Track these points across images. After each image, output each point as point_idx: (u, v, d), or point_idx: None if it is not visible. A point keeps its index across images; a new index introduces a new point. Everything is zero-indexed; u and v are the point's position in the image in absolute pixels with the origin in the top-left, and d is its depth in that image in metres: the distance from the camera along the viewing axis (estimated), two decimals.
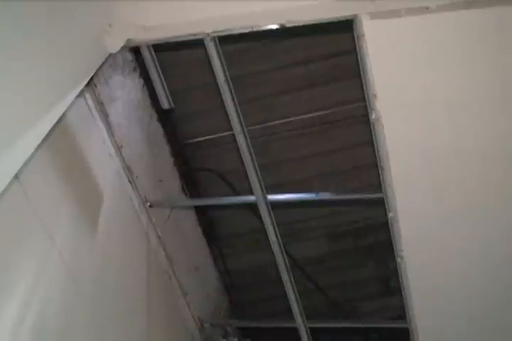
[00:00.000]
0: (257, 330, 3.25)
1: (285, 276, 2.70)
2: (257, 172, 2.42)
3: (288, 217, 3.13)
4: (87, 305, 2.08)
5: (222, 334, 3.00)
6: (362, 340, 3.41)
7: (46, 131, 1.67)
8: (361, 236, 3.25)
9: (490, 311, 2.64)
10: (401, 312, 2.78)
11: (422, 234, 2.39)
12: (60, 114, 1.78)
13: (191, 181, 3.12)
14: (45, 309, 1.79)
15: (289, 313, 2.95)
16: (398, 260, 2.42)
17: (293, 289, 2.74)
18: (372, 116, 2.06)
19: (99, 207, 2.20)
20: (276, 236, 2.57)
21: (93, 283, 2.13)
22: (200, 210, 3.17)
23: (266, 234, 2.64)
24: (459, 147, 2.14)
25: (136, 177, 2.53)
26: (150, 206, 2.58)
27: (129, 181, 2.49)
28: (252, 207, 3.05)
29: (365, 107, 2.09)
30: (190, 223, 3.07)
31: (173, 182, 2.98)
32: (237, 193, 3.10)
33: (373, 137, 2.11)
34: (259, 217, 2.61)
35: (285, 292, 2.84)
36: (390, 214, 2.30)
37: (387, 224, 2.40)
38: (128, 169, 2.47)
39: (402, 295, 2.67)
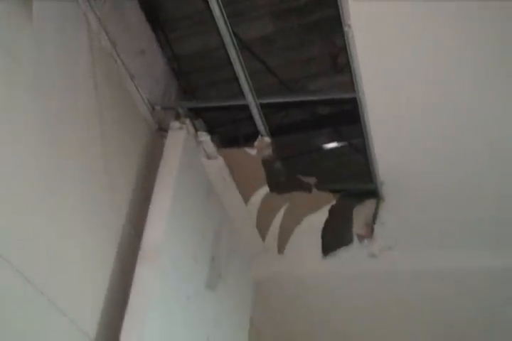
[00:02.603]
0: (208, 111, 3.30)
1: (233, 54, 2.67)
2: None
3: None
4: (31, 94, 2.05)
5: (175, 117, 3.04)
6: (312, 116, 3.50)
7: None
8: (307, 13, 3.17)
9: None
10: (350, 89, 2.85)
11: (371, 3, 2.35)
12: None
13: None
14: None
15: (240, 95, 2.98)
16: (346, 29, 2.40)
17: (242, 67, 2.74)
18: None
19: None
20: (221, 10, 2.49)
21: (32, 64, 2.08)
22: None
23: (211, 14, 2.56)
24: None
25: None
26: None
27: None
28: None
29: None
30: (131, 5, 2.93)
31: None
32: None
33: None
34: None
35: (234, 74, 2.83)
36: None
37: None
38: None
39: (350, 72, 2.70)
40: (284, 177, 3.34)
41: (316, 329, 4.41)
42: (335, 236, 3.59)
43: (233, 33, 2.64)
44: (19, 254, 1.93)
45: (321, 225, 3.56)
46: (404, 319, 4.25)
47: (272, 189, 3.37)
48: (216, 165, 3.20)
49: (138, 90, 2.86)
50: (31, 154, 2.05)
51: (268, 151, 3.16)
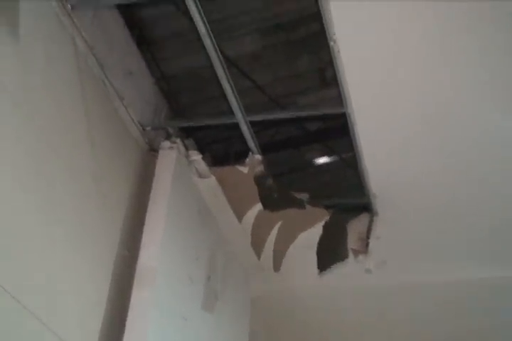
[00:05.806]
0: (199, 130, 3.29)
1: (220, 72, 2.67)
2: None
3: (218, 13, 3.02)
4: (18, 118, 2.03)
5: (165, 137, 3.03)
6: (302, 132, 3.50)
7: None
8: (293, 29, 3.17)
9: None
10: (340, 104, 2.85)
11: (354, 15, 2.36)
12: None
13: None
14: None
15: (229, 113, 2.98)
16: (331, 44, 2.41)
17: (230, 84, 2.74)
18: None
19: (15, 8, 2.07)
20: (206, 28, 2.49)
21: (18, 87, 2.07)
22: (127, 13, 3.02)
23: (198, 33, 2.56)
24: None
25: None
26: (72, 8, 2.44)
27: None
28: (179, 6, 2.93)
29: None
30: (117, 26, 2.93)
31: None
32: None
33: None
34: (189, 17, 2.51)
35: (223, 92, 2.83)
36: None
37: (319, 14, 2.36)
38: None
39: (338, 85, 2.71)
40: (277, 194, 3.33)
41: None
42: (330, 252, 3.57)
43: (220, 50, 2.65)
44: (15, 283, 1.91)
45: (316, 241, 3.54)
46: (402, 332, 4.22)
47: (265, 206, 3.36)
48: (208, 184, 3.19)
49: (128, 111, 2.85)
50: (22, 184, 2.03)
51: (260, 168, 3.16)
